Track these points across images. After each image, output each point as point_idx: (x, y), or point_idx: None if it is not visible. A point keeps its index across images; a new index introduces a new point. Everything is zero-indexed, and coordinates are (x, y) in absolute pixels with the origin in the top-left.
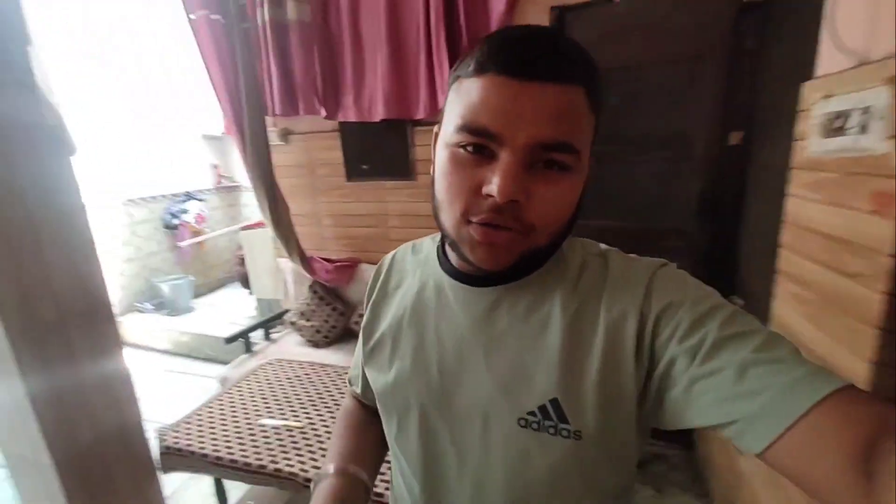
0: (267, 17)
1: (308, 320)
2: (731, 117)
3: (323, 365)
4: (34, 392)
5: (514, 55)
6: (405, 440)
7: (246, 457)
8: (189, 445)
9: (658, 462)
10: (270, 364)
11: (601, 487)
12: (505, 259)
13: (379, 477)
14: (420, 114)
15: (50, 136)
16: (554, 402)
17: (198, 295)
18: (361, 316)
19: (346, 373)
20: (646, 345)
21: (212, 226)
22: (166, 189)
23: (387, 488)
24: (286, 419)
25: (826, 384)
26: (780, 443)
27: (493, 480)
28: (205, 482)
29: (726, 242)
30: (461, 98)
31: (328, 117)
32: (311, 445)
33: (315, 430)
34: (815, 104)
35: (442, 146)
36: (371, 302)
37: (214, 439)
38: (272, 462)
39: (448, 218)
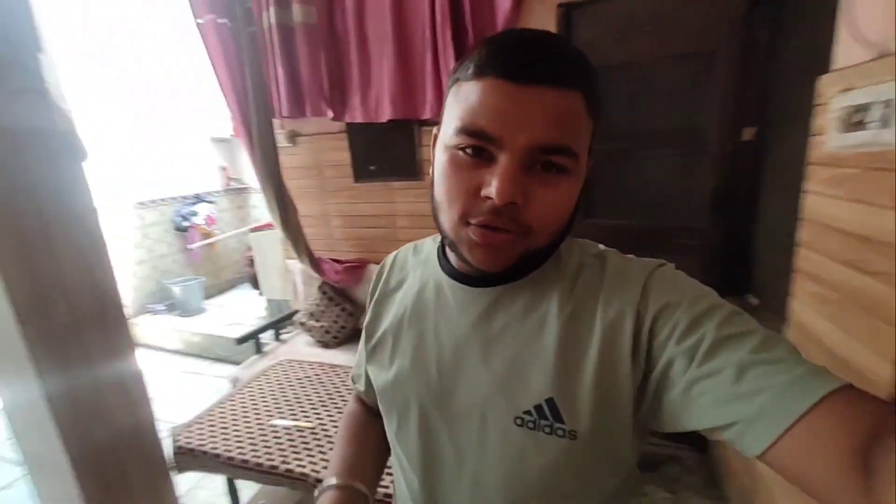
0: (273, 20)
1: (317, 321)
2: (744, 112)
3: (333, 365)
4: (50, 393)
5: (513, 59)
6: (405, 437)
7: (258, 457)
8: (202, 445)
9: (672, 464)
10: (281, 364)
11: (597, 487)
12: (503, 260)
13: (385, 470)
14: (427, 114)
15: (61, 142)
16: (550, 401)
17: (208, 296)
18: None
19: None
20: (643, 346)
21: (221, 227)
22: (176, 192)
23: (392, 481)
24: (297, 420)
25: (824, 384)
26: (779, 444)
27: (489, 478)
28: (217, 481)
29: (740, 240)
30: (460, 101)
31: (335, 118)
32: (321, 446)
33: (325, 430)
34: (834, 98)
35: (441, 148)
36: (373, 301)
37: (227, 439)
38: (283, 462)
39: (447, 219)
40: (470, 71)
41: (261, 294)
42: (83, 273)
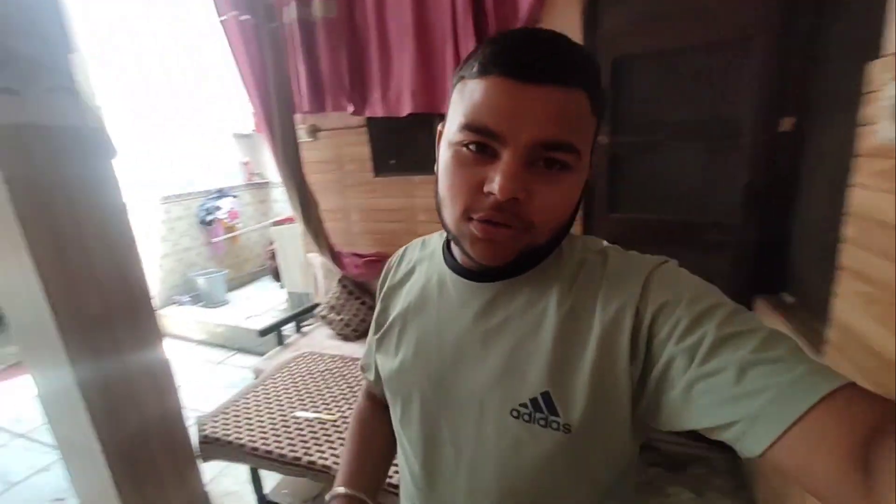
0: (294, 16)
1: (338, 314)
2: (783, 102)
3: (354, 358)
4: (83, 381)
5: (517, 58)
6: (408, 424)
7: (281, 448)
8: (227, 435)
9: (698, 465)
10: (303, 357)
11: (592, 480)
12: (504, 255)
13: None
14: (447, 107)
15: (92, 139)
16: (545, 395)
17: (231, 288)
18: None
19: None
20: (641, 343)
21: (244, 221)
22: (201, 186)
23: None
24: (319, 412)
25: (826, 383)
26: (779, 444)
27: (486, 467)
28: (241, 470)
29: (775, 236)
30: (465, 98)
31: (355, 113)
32: (343, 439)
33: (347, 423)
34: (886, 85)
35: (445, 145)
36: (382, 294)
37: (251, 430)
38: (306, 454)
39: (450, 214)
40: (475, 69)
41: (282, 287)
42: (113, 266)
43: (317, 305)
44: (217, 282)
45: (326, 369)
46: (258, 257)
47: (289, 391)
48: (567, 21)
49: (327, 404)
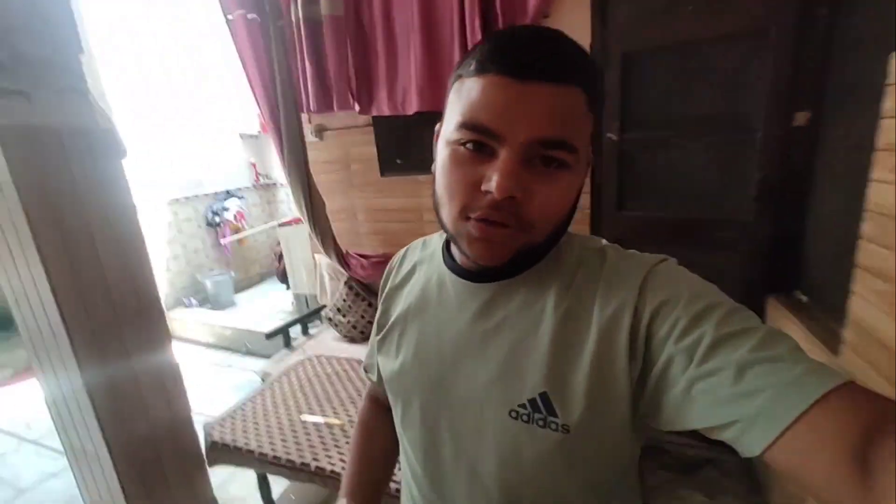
0: (301, 14)
1: (344, 316)
2: (797, 96)
3: (360, 361)
4: (91, 385)
5: (514, 56)
6: (408, 426)
7: (289, 453)
8: (234, 441)
9: (710, 467)
10: (310, 360)
11: (592, 480)
12: (501, 255)
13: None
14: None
15: (102, 140)
16: (543, 395)
17: (238, 290)
18: None
19: None
20: (640, 343)
21: (251, 223)
22: (208, 188)
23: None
24: (326, 416)
25: (824, 382)
26: (778, 444)
27: (486, 467)
28: (249, 474)
29: (788, 233)
30: (462, 97)
31: (362, 112)
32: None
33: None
34: None
35: (443, 144)
36: (384, 295)
37: (258, 435)
38: (314, 460)
39: (447, 214)
40: (472, 67)
41: (288, 288)
42: (123, 269)
43: (323, 307)
44: (224, 284)
45: (333, 372)
46: (265, 259)
47: (296, 395)
48: (576, 15)
49: (334, 408)
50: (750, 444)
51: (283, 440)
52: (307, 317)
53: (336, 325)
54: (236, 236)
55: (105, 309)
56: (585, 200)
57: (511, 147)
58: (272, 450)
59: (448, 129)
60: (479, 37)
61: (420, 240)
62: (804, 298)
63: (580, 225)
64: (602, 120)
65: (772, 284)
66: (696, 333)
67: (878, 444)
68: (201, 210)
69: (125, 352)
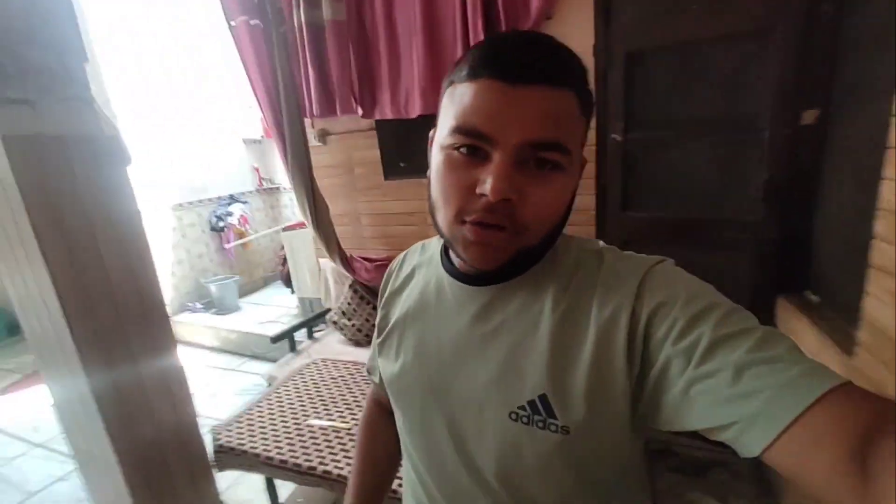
0: (303, 19)
1: (349, 319)
2: (805, 94)
3: (365, 364)
4: (97, 390)
5: (505, 61)
6: (410, 427)
7: (295, 457)
8: (241, 444)
9: (720, 469)
10: (315, 364)
11: (593, 480)
12: (498, 258)
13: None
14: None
15: (107, 147)
16: (542, 397)
17: (243, 294)
18: None
19: None
20: (638, 344)
21: (255, 227)
22: (212, 193)
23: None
24: (333, 420)
25: (822, 382)
26: (776, 444)
27: (488, 468)
28: (256, 478)
29: (797, 233)
30: (455, 102)
31: (365, 116)
32: None
33: None
34: None
35: (437, 149)
36: (384, 299)
37: (265, 439)
38: (321, 464)
39: (443, 218)
40: (464, 73)
41: (293, 292)
42: (127, 274)
43: (328, 311)
44: (229, 288)
45: (339, 375)
46: (269, 262)
47: (301, 399)
48: (580, 16)
49: (340, 411)
50: (749, 445)
51: (290, 444)
52: (312, 320)
53: (341, 329)
54: (240, 241)
55: (110, 314)
56: (590, 202)
57: (504, 150)
58: (279, 454)
59: (441, 135)
60: (481, 38)
61: (419, 243)
62: (815, 298)
63: (585, 227)
64: (602, 122)
65: (781, 285)
66: (693, 335)
67: (877, 445)
68: (205, 215)
69: (131, 356)
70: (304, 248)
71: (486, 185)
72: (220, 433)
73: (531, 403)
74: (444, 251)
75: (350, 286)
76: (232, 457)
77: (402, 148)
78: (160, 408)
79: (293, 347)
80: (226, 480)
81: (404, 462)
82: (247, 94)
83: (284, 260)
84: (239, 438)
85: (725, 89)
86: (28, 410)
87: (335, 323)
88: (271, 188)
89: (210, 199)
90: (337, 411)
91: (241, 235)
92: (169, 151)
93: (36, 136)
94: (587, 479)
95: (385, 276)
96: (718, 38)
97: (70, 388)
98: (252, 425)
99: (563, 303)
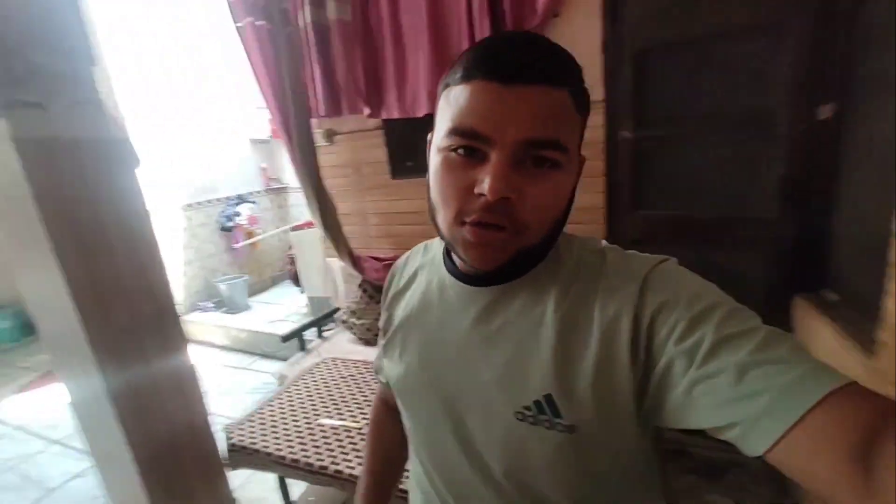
0: (309, 20)
1: (359, 318)
2: (821, 89)
3: None
4: (112, 389)
5: (499, 61)
6: (416, 427)
7: (307, 457)
8: (254, 444)
9: (736, 470)
10: (325, 363)
11: (600, 479)
12: (498, 259)
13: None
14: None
15: (117, 150)
16: (548, 397)
17: (252, 293)
18: None
19: None
20: (641, 344)
21: (263, 227)
22: (221, 193)
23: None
24: (344, 419)
25: (826, 382)
26: (780, 444)
27: (496, 467)
28: (269, 477)
29: (814, 231)
30: (451, 104)
31: (371, 115)
32: None
33: None
34: None
35: (435, 151)
36: (387, 301)
37: (277, 438)
38: (333, 463)
39: (443, 220)
40: (459, 75)
41: (302, 291)
42: (139, 275)
43: (337, 310)
44: (239, 288)
45: (349, 375)
46: (278, 262)
47: (312, 398)
48: (587, 14)
49: (351, 411)
50: (752, 445)
51: (302, 443)
52: (322, 319)
53: (351, 328)
54: (249, 241)
55: (123, 314)
56: (600, 200)
57: (501, 149)
58: (291, 453)
59: (439, 137)
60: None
61: (421, 244)
62: (834, 297)
63: (595, 225)
64: (612, 120)
65: (798, 283)
66: (696, 335)
67: (880, 445)
68: (214, 215)
69: (143, 356)
70: (312, 247)
71: (484, 185)
72: (232, 432)
73: (537, 404)
74: (446, 252)
75: (359, 285)
76: (245, 455)
77: (409, 147)
78: (173, 406)
79: (303, 346)
80: (238, 478)
81: (412, 460)
82: (255, 94)
83: (293, 259)
84: (251, 437)
85: (738, 85)
86: (45, 408)
87: (344, 322)
88: (279, 188)
89: (219, 200)
90: (348, 410)
91: (249, 235)
92: (178, 153)
93: (48, 140)
94: (595, 476)
95: (388, 277)
96: (727, 33)
97: (85, 388)
98: (264, 424)
99: (566, 303)
